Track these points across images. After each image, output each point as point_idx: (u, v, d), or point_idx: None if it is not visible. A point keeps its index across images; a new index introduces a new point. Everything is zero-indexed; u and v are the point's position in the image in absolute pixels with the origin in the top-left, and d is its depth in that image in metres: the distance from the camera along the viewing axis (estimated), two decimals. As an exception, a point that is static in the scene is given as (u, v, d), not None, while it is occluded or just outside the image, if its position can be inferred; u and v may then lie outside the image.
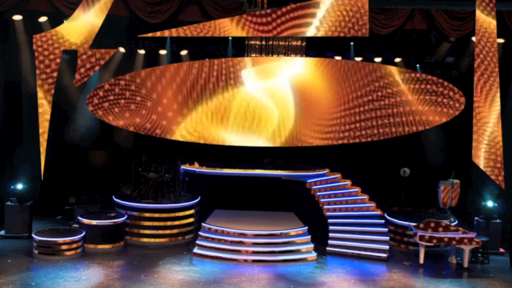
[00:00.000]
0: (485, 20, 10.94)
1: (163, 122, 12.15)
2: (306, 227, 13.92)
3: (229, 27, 10.96)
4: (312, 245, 13.53)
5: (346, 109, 12.15)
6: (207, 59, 13.06)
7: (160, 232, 14.29)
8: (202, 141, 12.34)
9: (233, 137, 12.32)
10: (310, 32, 11.01)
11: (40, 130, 11.23)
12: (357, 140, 12.23)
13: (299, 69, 12.30)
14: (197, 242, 13.54)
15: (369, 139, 12.22)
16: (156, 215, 14.24)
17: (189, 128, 12.21)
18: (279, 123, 12.31)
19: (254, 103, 12.27)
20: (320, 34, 10.99)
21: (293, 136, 12.30)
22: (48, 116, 11.16)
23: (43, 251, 12.76)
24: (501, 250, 14.07)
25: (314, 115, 12.28)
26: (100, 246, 13.47)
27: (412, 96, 11.96)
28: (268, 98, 12.31)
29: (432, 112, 11.98)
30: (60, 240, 12.84)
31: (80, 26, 11.06)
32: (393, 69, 12.17)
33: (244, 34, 11.12)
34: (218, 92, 12.10)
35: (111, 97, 11.93)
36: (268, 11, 11.00)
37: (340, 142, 12.24)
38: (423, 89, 11.93)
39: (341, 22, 10.87)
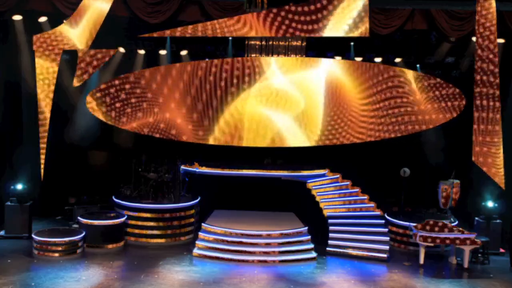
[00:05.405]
0: (485, 20, 10.93)
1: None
2: (306, 227, 13.91)
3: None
4: (312, 245, 13.53)
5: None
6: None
7: (160, 232, 14.29)
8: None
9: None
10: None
11: (40, 130, 11.23)
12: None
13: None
14: (197, 242, 13.54)
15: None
16: (156, 215, 14.25)
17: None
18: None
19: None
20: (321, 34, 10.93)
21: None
22: (48, 116, 11.15)
23: (43, 251, 12.76)
24: (501, 250, 14.07)
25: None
26: (100, 246, 13.48)
27: (420, 95, 11.91)
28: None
29: (437, 110, 11.93)
30: (60, 240, 12.84)
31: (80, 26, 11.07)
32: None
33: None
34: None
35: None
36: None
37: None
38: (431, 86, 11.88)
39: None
